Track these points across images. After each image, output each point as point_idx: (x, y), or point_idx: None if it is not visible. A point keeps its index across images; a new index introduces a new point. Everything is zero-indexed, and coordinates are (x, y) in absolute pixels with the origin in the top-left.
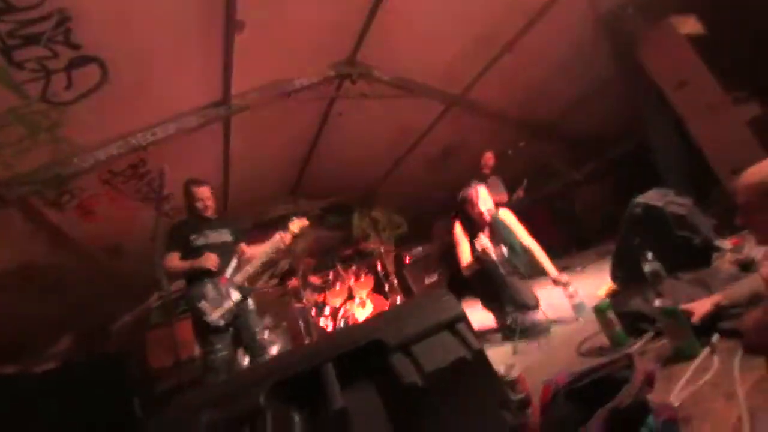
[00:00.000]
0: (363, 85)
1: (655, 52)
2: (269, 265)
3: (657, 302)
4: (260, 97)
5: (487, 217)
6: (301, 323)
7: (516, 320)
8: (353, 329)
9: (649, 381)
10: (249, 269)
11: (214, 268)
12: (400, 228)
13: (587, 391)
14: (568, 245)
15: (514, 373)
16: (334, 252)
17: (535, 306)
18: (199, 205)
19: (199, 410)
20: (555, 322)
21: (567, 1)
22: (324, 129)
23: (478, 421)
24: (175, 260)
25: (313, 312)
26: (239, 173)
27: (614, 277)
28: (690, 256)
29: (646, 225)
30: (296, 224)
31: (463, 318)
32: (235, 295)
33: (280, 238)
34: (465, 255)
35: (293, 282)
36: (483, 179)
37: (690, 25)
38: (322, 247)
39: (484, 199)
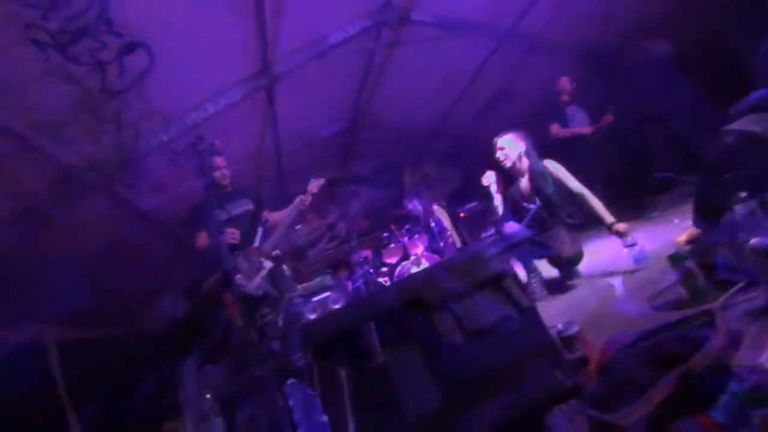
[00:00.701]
0: (403, 32)
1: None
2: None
3: (752, 241)
4: (298, 58)
5: (507, 163)
6: (360, 282)
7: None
8: (396, 286)
9: (734, 342)
10: (276, 235)
11: (235, 242)
12: (453, 181)
13: (655, 351)
14: (643, 186)
15: (572, 330)
16: (388, 211)
17: (571, 259)
18: (218, 174)
19: (251, 366)
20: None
21: None
22: (370, 82)
23: (526, 383)
24: (203, 240)
25: (371, 271)
26: (288, 146)
27: (696, 221)
28: None
29: (742, 157)
30: (314, 185)
31: (510, 274)
32: (267, 263)
33: (300, 201)
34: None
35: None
36: (562, 108)
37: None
38: (376, 207)
39: (504, 146)
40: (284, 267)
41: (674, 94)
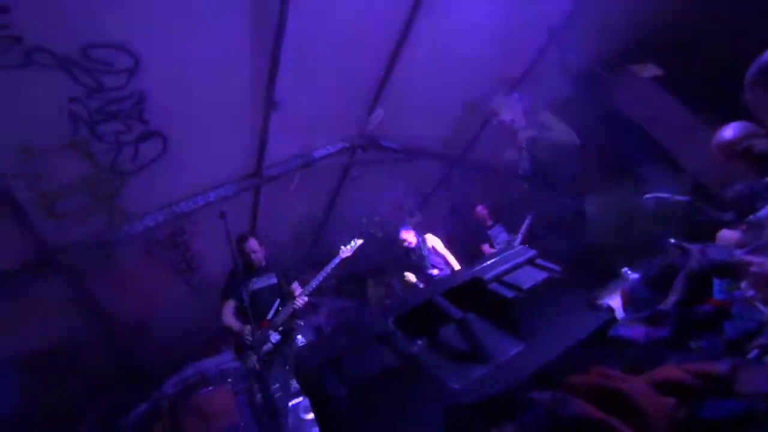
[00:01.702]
0: (374, 154)
1: (626, 97)
2: None
3: None
4: (287, 166)
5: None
6: None
7: None
8: (455, 275)
9: None
10: (314, 283)
11: (247, 340)
12: None
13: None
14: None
15: None
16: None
17: None
18: (252, 256)
19: (336, 338)
20: None
21: (541, 69)
22: (339, 195)
23: (573, 319)
24: (229, 309)
25: None
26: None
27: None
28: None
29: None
30: (351, 245)
31: (538, 256)
32: (275, 338)
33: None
34: None
35: None
36: (486, 232)
37: (650, 70)
38: (341, 316)
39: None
40: (299, 338)
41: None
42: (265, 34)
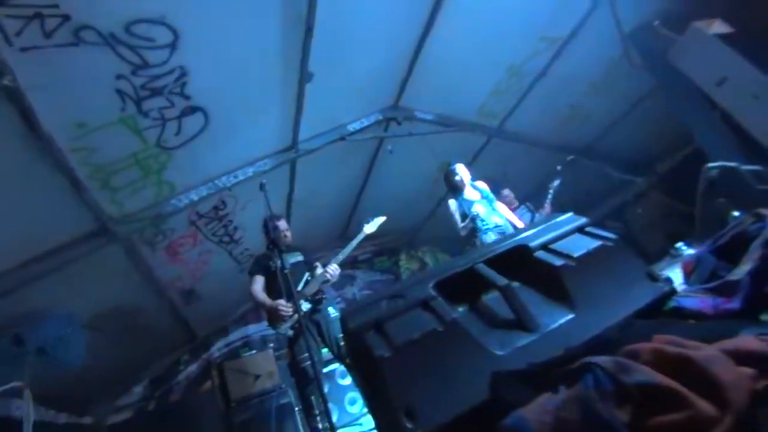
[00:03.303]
0: (408, 126)
1: (689, 57)
2: None
3: None
4: (321, 140)
5: None
6: None
7: None
8: (498, 242)
9: None
10: (340, 257)
11: (284, 312)
12: None
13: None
14: None
15: None
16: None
17: None
18: (281, 235)
19: (379, 302)
20: None
21: (592, 26)
22: (373, 170)
23: (628, 289)
24: (258, 284)
25: None
26: (297, 218)
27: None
28: None
29: (725, 186)
30: (373, 223)
31: (590, 224)
32: (305, 306)
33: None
34: None
35: None
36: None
37: (717, 26)
38: (374, 290)
39: None
40: (330, 310)
41: None
42: (299, 2)
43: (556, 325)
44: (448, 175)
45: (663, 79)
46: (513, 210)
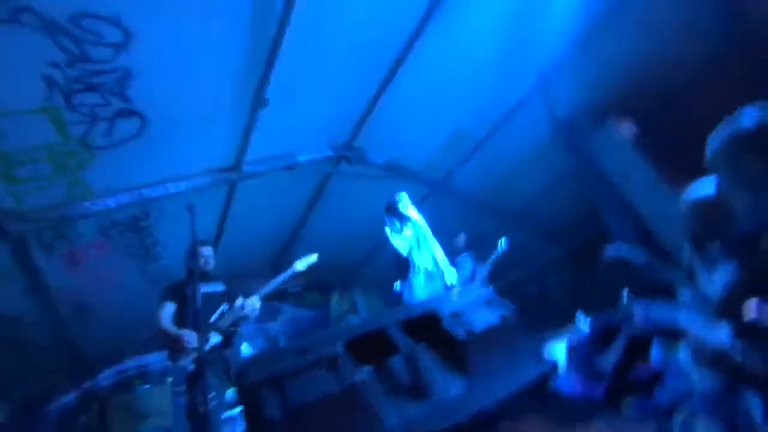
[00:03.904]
0: (358, 167)
1: (602, 149)
2: None
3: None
4: (267, 166)
5: None
6: None
7: None
8: (414, 305)
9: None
10: (264, 290)
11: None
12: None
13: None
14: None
15: None
16: (312, 331)
17: None
18: (202, 261)
19: (284, 356)
20: None
21: (529, 111)
22: (316, 204)
23: (517, 366)
24: (167, 311)
25: None
26: (228, 241)
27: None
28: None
29: (619, 269)
30: (304, 261)
31: (496, 298)
32: (215, 338)
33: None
34: None
35: None
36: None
37: (628, 127)
38: (300, 327)
39: None
40: (243, 347)
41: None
42: (266, 29)
43: (449, 395)
44: (392, 203)
45: (582, 163)
46: (457, 255)
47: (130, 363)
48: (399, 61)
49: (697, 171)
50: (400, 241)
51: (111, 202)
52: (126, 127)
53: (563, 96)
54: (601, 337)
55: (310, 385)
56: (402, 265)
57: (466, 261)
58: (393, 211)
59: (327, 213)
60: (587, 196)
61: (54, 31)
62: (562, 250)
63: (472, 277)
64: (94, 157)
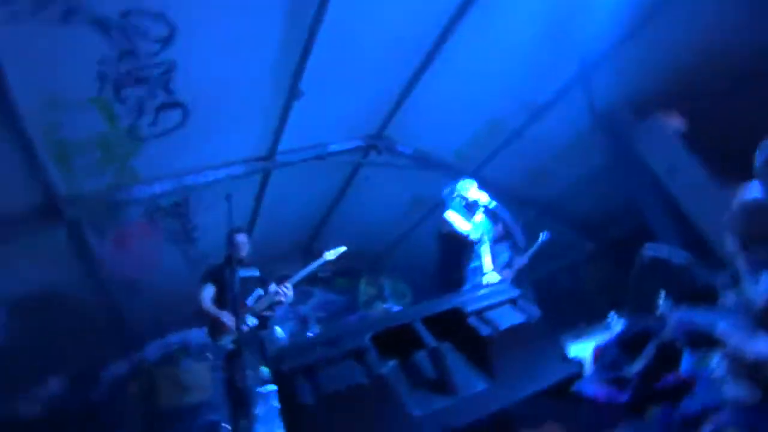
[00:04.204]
0: (387, 156)
1: (647, 143)
2: None
3: None
4: (300, 155)
5: None
6: None
7: None
8: (437, 301)
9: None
10: (296, 278)
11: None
12: (405, 297)
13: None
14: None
15: None
16: (341, 315)
17: None
18: (240, 249)
19: (315, 346)
20: None
21: (569, 100)
22: (346, 192)
23: (541, 366)
24: (207, 292)
25: None
26: (262, 227)
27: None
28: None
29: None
30: (334, 252)
31: (522, 296)
32: (251, 321)
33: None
34: None
35: None
36: None
37: (675, 122)
38: (329, 310)
39: None
40: (277, 329)
41: None
42: (301, 22)
43: (473, 391)
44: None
45: (623, 156)
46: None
47: (174, 338)
48: (433, 51)
49: (747, 172)
50: (471, 226)
51: (156, 189)
52: (170, 118)
53: (606, 86)
54: (632, 342)
55: (340, 375)
56: (458, 251)
57: (504, 250)
58: (460, 197)
59: (356, 201)
60: (627, 190)
61: (105, 28)
62: (598, 245)
63: (509, 266)
64: (140, 146)
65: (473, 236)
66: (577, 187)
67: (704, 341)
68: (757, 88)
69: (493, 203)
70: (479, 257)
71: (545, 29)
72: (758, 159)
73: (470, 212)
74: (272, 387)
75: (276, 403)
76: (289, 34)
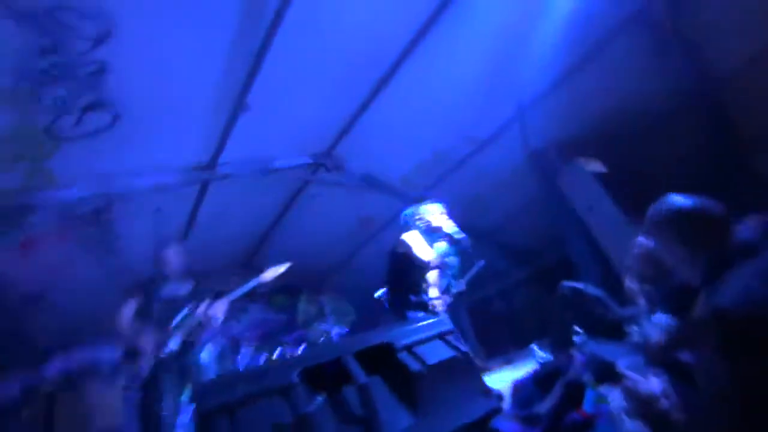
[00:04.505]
0: (335, 175)
1: (570, 183)
2: None
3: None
4: (243, 168)
5: None
6: None
7: None
8: (370, 334)
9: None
10: (231, 296)
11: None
12: (347, 317)
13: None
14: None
15: None
16: (277, 335)
17: None
18: (170, 265)
19: (239, 382)
20: None
21: (507, 136)
22: (290, 209)
23: (465, 401)
24: (129, 309)
25: None
26: (199, 238)
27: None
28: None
29: (574, 303)
30: (273, 270)
31: (452, 331)
32: (174, 343)
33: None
34: None
35: None
36: None
37: (594, 166)
38: (265, 329)
39: None
40: (202, 356)
41: None
42: (254, 32)
43: (398, 428)
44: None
45: (550, 193)
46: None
47: (80, 355)
48: (384, 79)
49: None
50: (431, 252)
51: (76, 192)
52: (96, 119)
53: (538, 127)
54: (545, 379)
55: (263, 413)
56: (408, 273)
57: (443, 275)
58: (422, 220)
59: (301, 217)
60: (555, 224)
61: (27, 21)
62: (529, 272)
63: (446, 292)
64: (59, 147)
65: (432, 263)
66: (511, 217)
67: (608, 376)
68: (668, 138)
69: (460, 234)
70: (426, 282)
71: (488, 68)
72: (650, 214)
73: (432, 238)
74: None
75: None
76: (239, 45)
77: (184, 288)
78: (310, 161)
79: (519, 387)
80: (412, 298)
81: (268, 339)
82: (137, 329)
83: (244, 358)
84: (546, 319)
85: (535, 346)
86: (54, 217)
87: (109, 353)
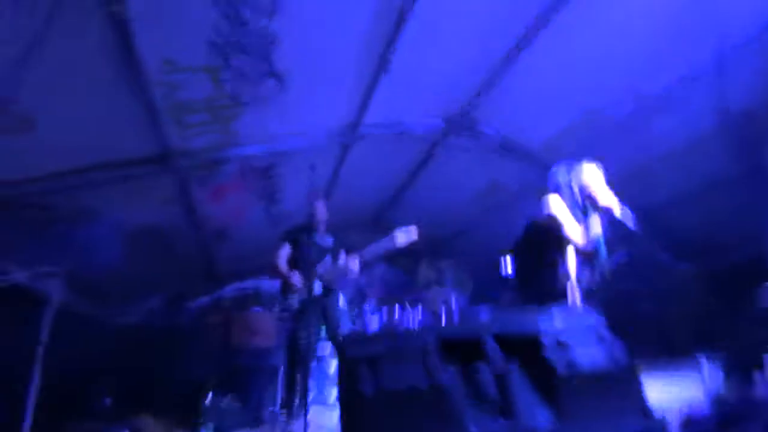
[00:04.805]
0: (468, 139)
1: None
2: None
3: None
4: (381, 130)
5: None
6: None
7: None
8: (514, 317)
9: None
10: (364, 254)
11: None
12: (466, 285)
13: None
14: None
15: None
16: (397, 294)
17: None
18: (317, 216)
19: (379, 339)
20: None
21: (690, 95)
22: (421, 171)
23: (617, 418)
24: (283, 251)
25: None
26: (338, 196)
27: None
28: None
29: None
30: (404, 234)
31: (606, 325)
32: (318, 288)
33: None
34: None
35: None
36: None
37: None
38: (387, 287)
39: None
40: (340, 300)
41: None
42: None
43: (535, 423)
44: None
45: (752, 169)
46: None
47: (249, 283)
48: (533, 30)
49: None
50: (579, 228)
51: (252, 150)
52: (268, 86)
53: (741, 83)
54: (732, 419)
55: (401, 372)
56: (546, 247)
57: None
58: (582, 185)
59: (430, 181)
60: (753, 211)
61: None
62: (700, 269)
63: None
64: (241, 111)
65: (580, 243)
66: (686, 199)
67: None
68: None
69: (624, 211)
70: (565, 260)
71: (673, 9)
72: None
73: (584, 209)
74: (328, 350)
75: (328, 369)
76: (382, 6)
77: (328, 238)
78: (443, 124)
79: (694, 420)
80: (547, 279)
81: (388, 296)
82: (291, 269)
83: (368, 309)
84: (714, 329)
85: (703, 359)
86: (236, 170)
87: (269, 285)
